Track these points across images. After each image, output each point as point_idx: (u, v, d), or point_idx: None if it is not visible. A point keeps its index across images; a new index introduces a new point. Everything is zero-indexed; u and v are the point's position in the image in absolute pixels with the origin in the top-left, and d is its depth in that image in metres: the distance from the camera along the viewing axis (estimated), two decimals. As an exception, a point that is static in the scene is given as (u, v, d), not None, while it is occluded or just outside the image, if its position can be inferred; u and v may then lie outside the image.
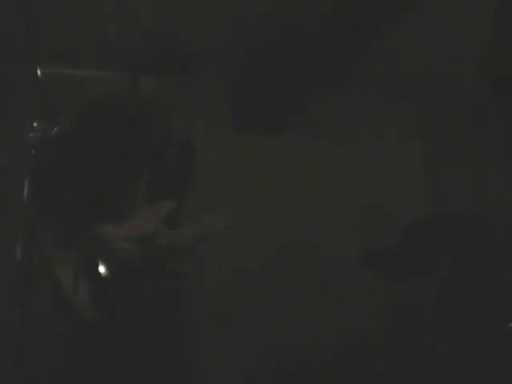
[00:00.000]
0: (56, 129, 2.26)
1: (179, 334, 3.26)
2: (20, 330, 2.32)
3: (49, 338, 3.10)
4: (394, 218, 4.86)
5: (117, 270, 3.13)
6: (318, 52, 4.40)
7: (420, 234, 4.50)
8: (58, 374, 3.07)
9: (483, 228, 4.46)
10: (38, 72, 2.28)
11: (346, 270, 4.88)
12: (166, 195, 3.15)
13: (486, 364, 3.97)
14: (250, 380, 4.73)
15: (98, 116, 3.20)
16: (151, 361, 3.17)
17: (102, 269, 3.11)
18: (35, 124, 2.28)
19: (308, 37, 4.29)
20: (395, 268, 4.51)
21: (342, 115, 5.40)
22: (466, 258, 4.38)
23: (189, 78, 3.15)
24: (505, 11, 3.26)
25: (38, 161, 2.35)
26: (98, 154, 3.10)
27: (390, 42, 4.55)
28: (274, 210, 5.16)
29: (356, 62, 4.56)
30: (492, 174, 5.27)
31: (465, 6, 4.39)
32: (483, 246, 4.41)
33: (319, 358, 4.66)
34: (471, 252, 4.41)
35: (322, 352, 4.70)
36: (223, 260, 4.92)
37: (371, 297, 4.96)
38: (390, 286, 4.71)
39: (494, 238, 4.47)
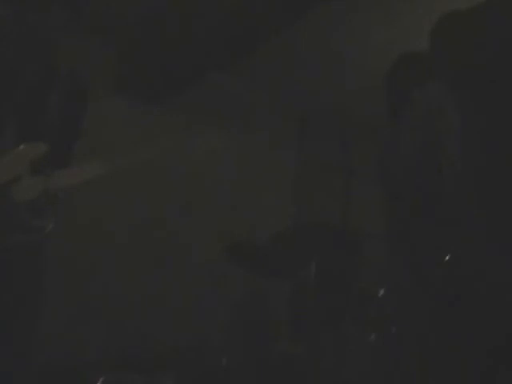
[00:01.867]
0: None
1: (34, 300, 3.03)
2: None
3: None
4: (264, 219, 4.84)
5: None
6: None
7: (289, 237, 4.51)
8: None
9: (350, 242, 4.50)
10: None
11: (211, 262, 4.78)
12: (39, 139, 2.86)
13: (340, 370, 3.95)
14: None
15: None
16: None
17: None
18: None
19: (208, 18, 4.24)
20: (260, 265, 4.48)
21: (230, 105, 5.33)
22: (330, 268, 4.38)
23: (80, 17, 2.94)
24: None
25: None
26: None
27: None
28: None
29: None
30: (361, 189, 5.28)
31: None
32: (348, 258, 4.43)
33: (165, 347, 4.54)
34: (336, 263, 4.42)
35: (173, 342, 4.59)
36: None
37: (229, 291, 4.88)
38: (250, 282, 4.66)
39: (360, 251, 4.49)
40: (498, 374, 3.01)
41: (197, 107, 5.21)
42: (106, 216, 4.87)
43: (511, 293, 2.95)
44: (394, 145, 3.44)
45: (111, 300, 4.78)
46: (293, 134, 5.68)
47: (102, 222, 4.81)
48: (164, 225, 5.05)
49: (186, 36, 4.42)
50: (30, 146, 2.81)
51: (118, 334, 4.72)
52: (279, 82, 5.30)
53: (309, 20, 4.36)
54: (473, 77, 2.99)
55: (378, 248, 4.27)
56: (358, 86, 5.01)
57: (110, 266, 4.84)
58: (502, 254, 2.89)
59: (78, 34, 3.10)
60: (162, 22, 4.62)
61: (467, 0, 2.94)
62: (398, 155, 3.38)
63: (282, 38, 4.55)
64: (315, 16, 4.34)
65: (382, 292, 3.86)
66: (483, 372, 3.02)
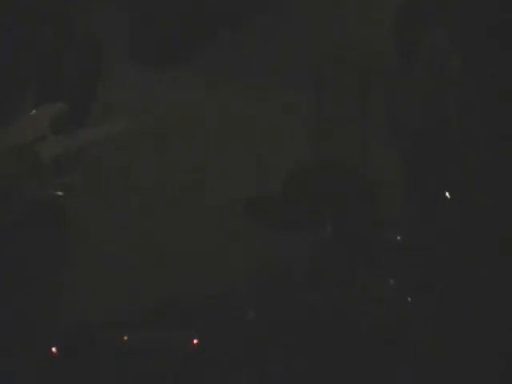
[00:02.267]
0: None
1: (58, 259, 3.09)
2: None
3: None
4: (278, 167, 4.85)
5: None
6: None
7: (303, 184, 4.53)
8: None
9: (368, 185, 4.51)
10: None
11: (229, 215, 4.82)
12: (58, 99, 2.91)
13: (358, 317, 3.99)
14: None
15: None
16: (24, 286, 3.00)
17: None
18: None
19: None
20: (277, 216, 4.51)
21: (241, 59, 5.30)
22: (348, 213, 4.40)
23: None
24: None
25: None
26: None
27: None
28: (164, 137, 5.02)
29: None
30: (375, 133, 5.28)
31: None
32: (366, 202, 4.44)
33: (192, 302, 4.59)
34: (354, 207, 4.43)
35: (195, 298, 4.64)
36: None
37: (248, 244, 4.92)
38: (269, 235, 4.69)
39: (378, 197, 4.50)
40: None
41: (209, 69, 5.20)
42: (123, 173, 4.90)
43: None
44: (404, 95, 3.45)
45: (132, 258, 4.83)
46: (307, 87, 5.66)
47: (118, 180, 4.84)
48: (180, 182, 5.09)
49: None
50: (50, 106, 2.88)
51: (141, 291, 4.77)
52: (292, 38, 5.27)
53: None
54: (475, 21, 2.98)
55: (394, 194, 4.29)
56: (370, 36, 4.96)
57: (129, 225, 4.89)
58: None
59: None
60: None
61: None
62: (409, 105, 3.38)
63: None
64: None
65: (399, 238, 3.90)
66: (498, 328, 3.05)
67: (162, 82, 4.97)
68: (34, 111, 2.85)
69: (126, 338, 4.05)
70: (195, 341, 4.04)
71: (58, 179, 2.90)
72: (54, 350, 3.62)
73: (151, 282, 4.84)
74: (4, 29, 2.87)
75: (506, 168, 3.17)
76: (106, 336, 4.14)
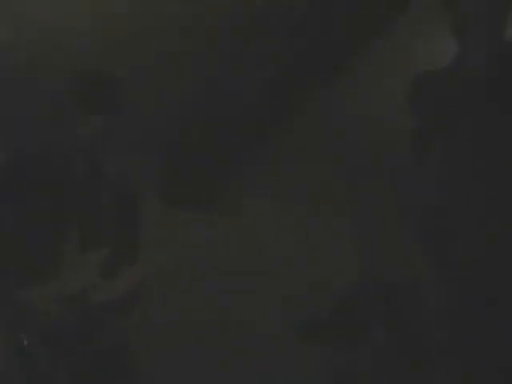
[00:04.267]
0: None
1: None
2: None
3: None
4: (326, 287, 4.88)
5: (51, 333, 3.00)
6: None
7: (351, 301, 4.56)
8: None
9: (414, 292, 4.53)
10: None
11: (283, 343, 4.84)
12: (102, 243, 3.00)
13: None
14: None
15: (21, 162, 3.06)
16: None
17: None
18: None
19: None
20: (330, 336, 4.52)
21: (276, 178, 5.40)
22: (400, 321, 4.42)
23: (121, 118, 3.08)
24: None
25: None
26: (19, 205, 2.98)
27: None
28: (207, 275, 5.11)
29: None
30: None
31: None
32: (416, 309, 4.46)
33: None
34: (404, 315, 4.45)
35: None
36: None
37: (308, 368, 4.91)
38: (327, 356, 4.68)
39: (425, 301, 4.51)
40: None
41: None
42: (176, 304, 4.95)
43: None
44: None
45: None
46: (344, 198, 5.70)
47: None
48: (230, 311, 5.13)
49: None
50: (95, 252, 2.99)
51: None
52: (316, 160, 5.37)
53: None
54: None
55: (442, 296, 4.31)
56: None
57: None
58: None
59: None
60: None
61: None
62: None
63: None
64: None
65: (449, 337, 3.90)
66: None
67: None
68: (81, 259, 2.98)
69: None
70: None
71: (116, 321, 2.98)
72: None
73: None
74: (42, 180, 3.02)
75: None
76: None
